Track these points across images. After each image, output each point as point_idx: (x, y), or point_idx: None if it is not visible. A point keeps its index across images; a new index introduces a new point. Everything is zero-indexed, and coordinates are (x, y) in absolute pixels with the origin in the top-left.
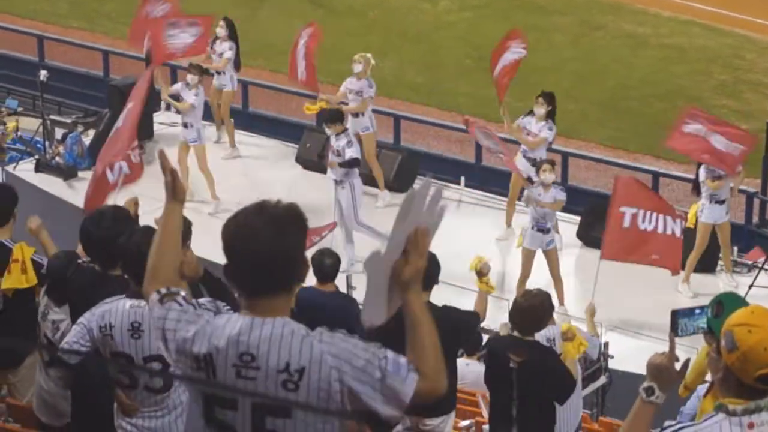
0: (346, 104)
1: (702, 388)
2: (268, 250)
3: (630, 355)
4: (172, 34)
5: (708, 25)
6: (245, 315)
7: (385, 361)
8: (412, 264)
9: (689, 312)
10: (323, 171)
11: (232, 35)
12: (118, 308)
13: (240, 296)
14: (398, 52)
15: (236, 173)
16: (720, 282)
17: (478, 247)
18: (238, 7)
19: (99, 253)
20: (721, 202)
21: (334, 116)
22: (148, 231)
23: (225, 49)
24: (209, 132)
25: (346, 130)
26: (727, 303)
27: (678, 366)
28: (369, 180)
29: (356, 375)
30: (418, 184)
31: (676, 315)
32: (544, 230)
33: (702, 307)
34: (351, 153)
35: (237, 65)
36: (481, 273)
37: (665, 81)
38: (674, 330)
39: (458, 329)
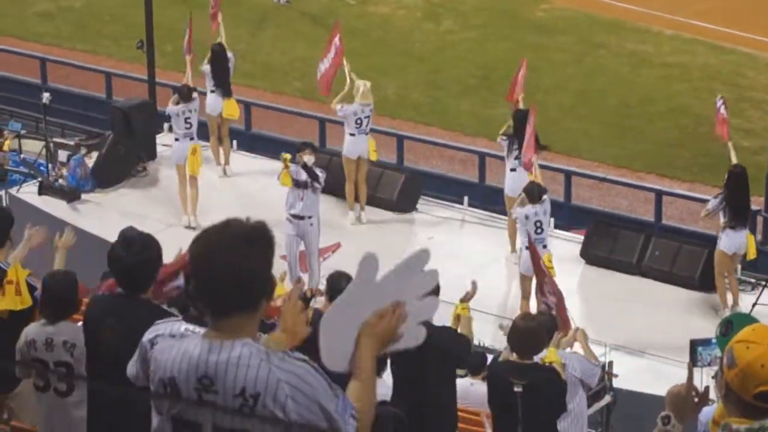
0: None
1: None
2: (228, 267)
3: (634, 373)
4: None
5: (710, 43)
6: (206, 337)
7: (337, 401)
8: (390, 326)
9: (706, 342)
10: (327, 192)
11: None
12: (172, 330)
13: (207, 316)
14: (401, 72)
15: (238, 193)
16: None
17: (482, 267)
18: (239, 27)
19: (128, 278)
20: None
21: (315, 146)
22: None
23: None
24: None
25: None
26: (736, 322)
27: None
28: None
29: (308, 405)
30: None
31: (694, 344)
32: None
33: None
34: (323, 175)
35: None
36: (466, 298)
37: (667, 99)
38: (692, 359)
39: (456, 350)
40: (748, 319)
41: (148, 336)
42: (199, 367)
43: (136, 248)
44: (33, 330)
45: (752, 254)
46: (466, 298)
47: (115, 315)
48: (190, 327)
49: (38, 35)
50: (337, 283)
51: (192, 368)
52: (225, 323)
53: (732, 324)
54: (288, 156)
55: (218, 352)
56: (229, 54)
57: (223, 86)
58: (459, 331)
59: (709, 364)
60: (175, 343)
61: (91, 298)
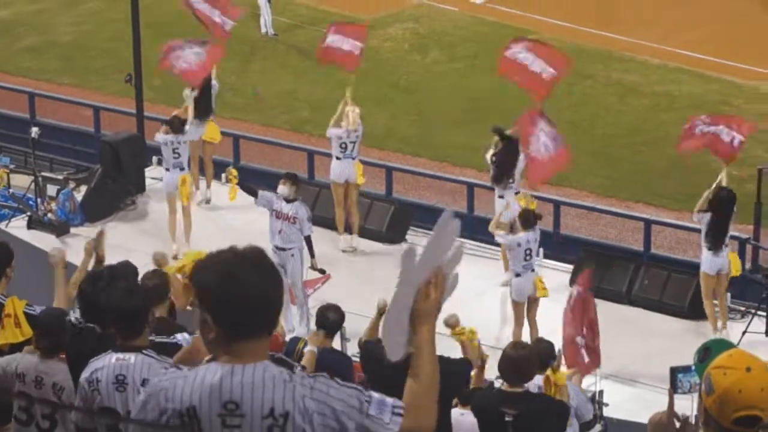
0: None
1: None
2: (259, 293)
3: (624, 402)
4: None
5: (696, 71)
6: (224, 363)
7: (368, 404)
8: (435, 298)
9: (686, 368)
10: (316, 223)
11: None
12: (104, 363)
13: (223, 342)
14: (389, 104)
15: (226, 226)
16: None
17: (472, 298)
18: (230, 60)
19: (97, 314)
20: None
21: (296, 178)
22: (129, 287)
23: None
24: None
25: (297, 199)
26: (714, 348)
27: (677, 424)
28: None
29: (335, 418)
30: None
31: (674, 371)
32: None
33: None
34: (308, 230)
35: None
36: (449, 325)
37: (654, 128)
38: (673, 386)
39: (449, 379)
40: (725, 345)
41: (84, 375)
42: (223, 392)
43: (102, 283)
44: (24, 363)
45: (735, 271)
46: (451, 325)
47: (90, 350)
48: (120, 356)
49: (26, 70)
50: (326, 315)
51: (215, 394)
52: (241, 348)
53: (710, 350)
54: (235, 171)
55: (242, 375)
56: (214, 82)
57: (204, 113)
58: (469, 356)
59: (690, 391)
60: (187, 373)
61: (68, 331)
